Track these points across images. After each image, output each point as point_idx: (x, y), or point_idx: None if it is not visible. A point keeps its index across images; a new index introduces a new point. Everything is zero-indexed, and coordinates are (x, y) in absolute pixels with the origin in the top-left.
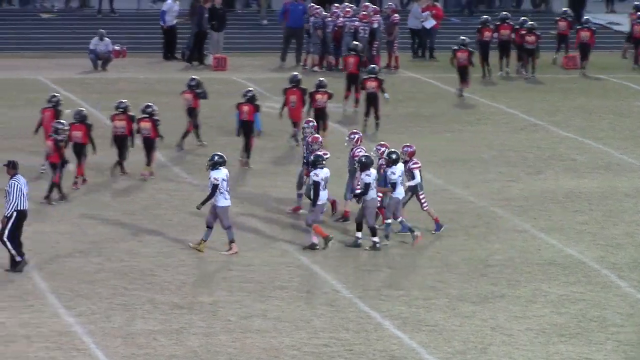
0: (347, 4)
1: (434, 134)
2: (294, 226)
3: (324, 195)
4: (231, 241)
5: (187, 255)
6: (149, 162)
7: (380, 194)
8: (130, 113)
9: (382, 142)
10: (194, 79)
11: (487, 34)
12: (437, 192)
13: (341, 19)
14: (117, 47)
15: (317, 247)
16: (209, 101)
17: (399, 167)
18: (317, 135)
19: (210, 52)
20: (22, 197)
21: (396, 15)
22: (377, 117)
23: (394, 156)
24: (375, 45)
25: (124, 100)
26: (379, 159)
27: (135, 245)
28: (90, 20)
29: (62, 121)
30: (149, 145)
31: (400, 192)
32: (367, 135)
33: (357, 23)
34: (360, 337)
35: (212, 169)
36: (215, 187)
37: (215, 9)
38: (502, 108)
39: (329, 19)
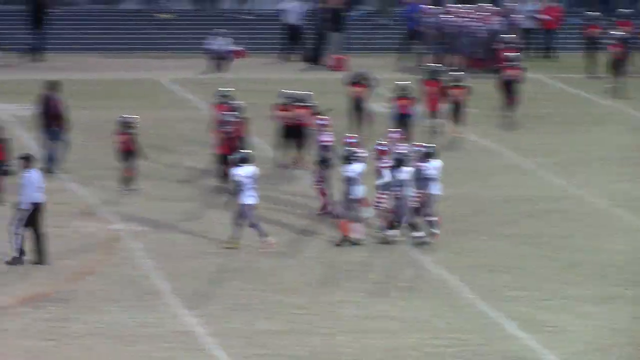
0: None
1: (556, 134)
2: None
3: (358, 190)
4: (263, 235)
5: (309, 255)
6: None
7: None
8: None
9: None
10: (361, 72)
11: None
12: (558, 193)
13: (459, 20)
14: (236, 47)
15: (362, 242)
16: (328, 100)
17: (436, 163)
18: (350, 135)
19: (330, 52)
20: (36, 190)
21: (515, 16)
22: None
23: (429, 150)
24: (496, 47)
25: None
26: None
27: (257, 245)
28: (210, 21)
29: (230, 114)
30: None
31: (436, 189)
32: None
33: (476, 24)
34: (482, 337)
35: (236, 166)
36: (238, 185)
37: (333, 10)
38: (623, 108)
39: (447, 18)
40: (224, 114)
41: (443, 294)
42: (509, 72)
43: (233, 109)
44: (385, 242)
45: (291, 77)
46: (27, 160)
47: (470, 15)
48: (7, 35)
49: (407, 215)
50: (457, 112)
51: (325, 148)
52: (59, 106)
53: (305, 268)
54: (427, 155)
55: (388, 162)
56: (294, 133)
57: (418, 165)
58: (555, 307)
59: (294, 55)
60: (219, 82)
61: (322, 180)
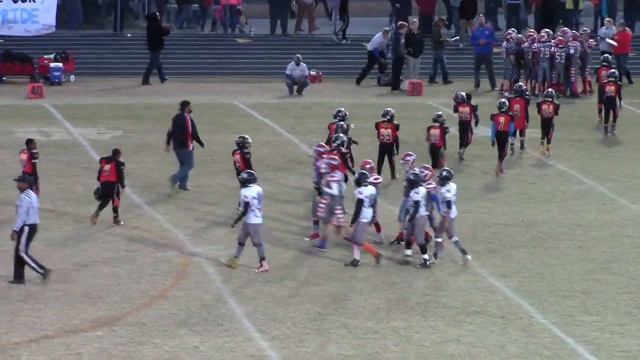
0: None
1: (630, 160)
2: (490, 251)
3: (368, 213)
4: (262, 258)
5: (382, 280)
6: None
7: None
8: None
9: (409, 152)
10: (389, 110)
11: None
12: (633, 218)
13: (536, 44)
14: (313, 72)
15: (359, 264)
16: (409, 125)
17: (453, 186)
18: (366, 160)
19: (406, 78)
20: (33, 212)
21: (592, 40)
22: (548, 141)
23: (445, 173)
24: (573, 72)
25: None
26: (408, 168)
27: (329, 270)
28: (288, 45)
29: (342, 135)
30: None
31: (454, 211)
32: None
33: (553, 48)
34: None
35: (243, 187)
36: (246, 205)
37: (412, 35)
38: None
39: (525, 44)
40: (337, 134)
41: (515, 319)
42: (608, 88)
43: (344, 129)
44: (404, 262)
45: (369, 102)
46: (23, 181)
47: (549, 40)
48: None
49: (420, 236)
50: (547, 129)
51: (322, 175)
52: (191, 126)
53: (377, 292)
54: (445, 179)
55: (337, 176)
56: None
57: (428, 188)
58: (629, 333)
59: (372, 80)
60: (296, 107)
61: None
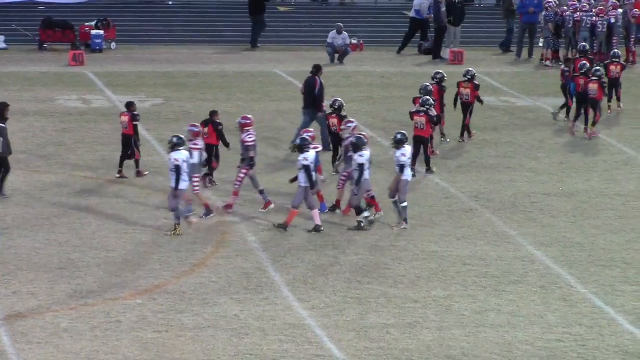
0: None
1: None
2: (530, 220)
3: (314, 176)
4: (176, 223)
5: (421, 249)
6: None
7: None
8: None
9: (350, 119)
10: (469, 70)
11: None
12: None
13: (578, 13)
14: (354, 40)
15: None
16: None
17: (408, 149)
18: (307, 129)
19: (447, 46)
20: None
21: (636, 10)
22: (618, 99)
23: (399, 136)
24: (614, 41)
25: (338, 99)
26: (347, 136)
27: (370, 239)
28: (328, 13)
29: (427, 97)
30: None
31: (408, 174)
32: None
33: (594, 18)
34: (594, 332)
35: (172, 150)
36: (177, 168)
37: (453, 3)
38: None
39: (566, 12)
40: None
41: (555, 288)
42: (613, 68)
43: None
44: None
45: (410, 70)
46: None
47: (590, 9)
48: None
49: (355, 199)
50: (616, 88)
51: (247, 148)
52: (320, 89)
53: (417, 261)
54: (399, 142)
55: (199, 144)
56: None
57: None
58: None
59: (412, 49)
60: (337, 75)
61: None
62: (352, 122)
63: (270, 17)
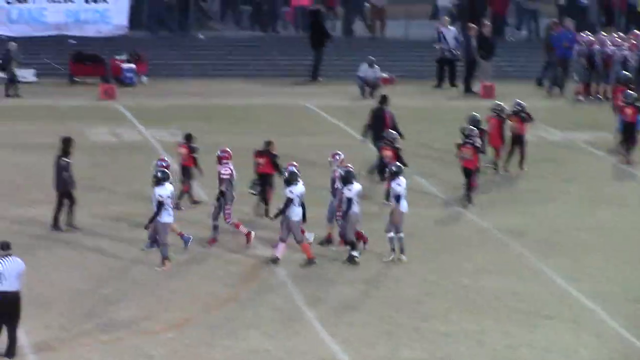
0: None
1: None
2: (563, 254)
3: (298, 211)
4: (165, 258)
5: (453, 282)
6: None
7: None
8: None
9: (338, 151)
10: (519, 103)
11: None
12: None
13: (610, 47)
14: (385, 75)
15: (277, 262)
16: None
17: (403, 181)
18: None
19: (479, 80)
20: None
21: None
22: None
23: (394, 168)
24: None
25: (392, 132)
26: (336, 167)
27: (400, 273)
28: (359, 47)
29: (473, 128)
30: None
31: (404, 206)
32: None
33: (626, 52)
34: None
35: (156, 186)
36: (160, 204)
37: (484, 37)
38: None
39: (596, 46)
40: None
41: (588, 324)
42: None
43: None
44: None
45: (443, 104)
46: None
47: (622, 43)
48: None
49: (349, 233)
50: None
51: (222, 181)
52: (390, 119)
53: (449, 295)
54: (394, 174)
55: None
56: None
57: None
58: None
59: (445, 83)
60: (368, 109)
61: (218, 211)
62: (339, 154)
63: (300, 50)
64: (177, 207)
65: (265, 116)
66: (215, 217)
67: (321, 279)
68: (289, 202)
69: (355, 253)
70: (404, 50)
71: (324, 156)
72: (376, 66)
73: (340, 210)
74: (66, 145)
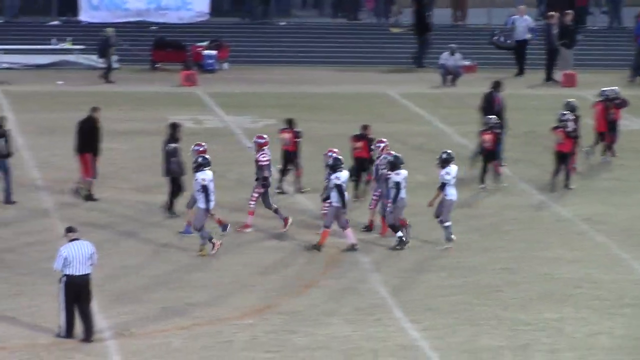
0: None
1: None
2: None
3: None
4: (204, 243)
5: (533, 271)
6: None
7: None
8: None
9: (382, 139)
10: (612, 89)
11: None
12: None
13: None
14: (467, 62)
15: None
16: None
17: (453, 169)
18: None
19: (560, 69)
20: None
21: None
22: None
23: (444, 156)
24: None
25: (492, 117)
26: (378, 156)
27: (481, 261)
28: (441, 35)
29: (565, 112)
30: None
31: (452, 193)
32: None
33: None
34: None
35: (197, 171)
36: (204, 188)
37: (565, 26)
38: None
39: None
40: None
41: None
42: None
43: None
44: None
45: (523, 92)
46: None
47: None
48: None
49: (394, 218)
50: None
51: (261, 168)
52: (500, 104)
53: (529, 284)
54: (445, 162)
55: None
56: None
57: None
58: None
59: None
60: (450, 97)
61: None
62: (382, 141)
63: (384, 38)
64: (281, 191)
65: (347, 104)
66: (269, 204)
67: (402, 266)
68: (337, 188)
69: (400, 234)
70: (487, 38)
71: (407, 143)
72: (458, 54)
73: (378, 196)
74: (174, 130)
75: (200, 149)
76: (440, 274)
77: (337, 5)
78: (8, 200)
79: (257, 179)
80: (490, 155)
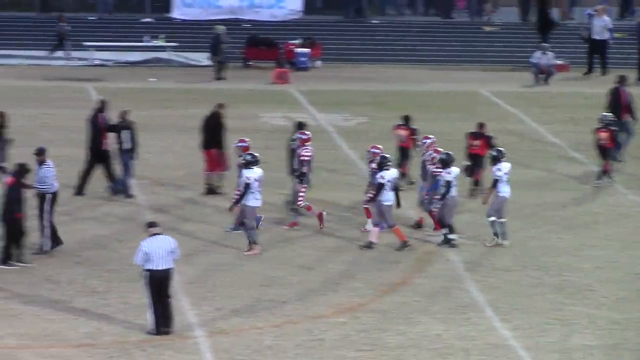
0: None
1: None
2: None
3: (390, 196)
4: (253, 242)
5: (625, 271)
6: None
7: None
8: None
9: (429, 135)
10: None
11: None
12: None
13: None
14: (559, 61)
15: (374, 247)
16: None
17: (505, 166)
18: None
19: None
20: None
21: None
22: None
23: (494, 153)
24: None
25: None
26: (424, 152)
27: (573, 260)
28: (530, 34)
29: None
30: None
31: (505, 190)
32: None
33: None
34: None
35: (245, 168)
36: (247, 186)
37: None
38: None
39: None
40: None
41: None
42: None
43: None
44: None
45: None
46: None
47: None
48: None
49: (447, 216)
50: None
51: (302, 163)
52: (625, 99)
53: (620, 283)
54: (495, 159)
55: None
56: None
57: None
58: None
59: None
60: (542, 96)
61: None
62: (429, 137)
63: (476, 36)
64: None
65: (439, 102)
66: (295, 201)
67: (493, 266)
68: (380, 187)
69: (453, 236)
70: (578, 37)
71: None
72: (549, 53)
73: (430, 194)
74: (300, 129)
75: (245, 145)
76: (532, 273)
77: (429, 3)
78: (127, 194)
79: (298, 175)
80: (606, 152)
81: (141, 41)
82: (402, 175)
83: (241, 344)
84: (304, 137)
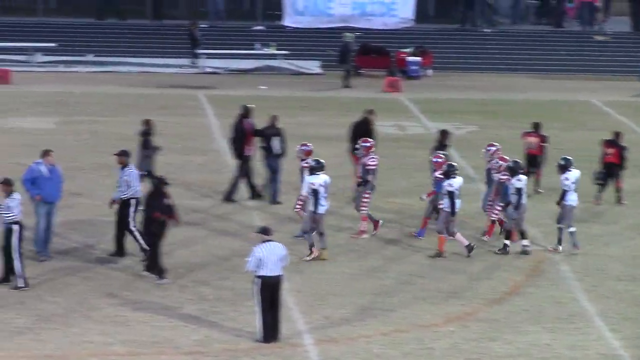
0: None
1: None
2: None
3: (456, 204)
4: (311, 245)
5: None
6: None
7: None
8: None
9: (493, 142)
10: None
11: None
12: None
13: None
14: None
15: (445, 256)
16: None
17: (573, 174)
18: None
19: None
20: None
21: None
22: None
23: (562, 162)
24: None
25: None
26: (489, 160)
27: None
28: None
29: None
30: None
31: (572, 199)
32: None
33: None
34: None
35: (311, 174)
36: (315, 193)
37: None
38: None
39: None
40: None
41: None
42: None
43: None
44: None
45: None
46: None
47: None
48: None
49: (519, 224)
50: None
51: (368, 171)
52: None
53: None
54: (562, 168)
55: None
56: None
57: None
58: None
59: None
60: None
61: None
62: (494, 145)
63: (586, 45)
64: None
65: (549, 111)
66: (358, 207)
67: (603, 275)
68: (451, 195)
69: (526, 242)
70: None
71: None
72: None
73: (493, 201)
74: (443, 137)
75: (307, 149)
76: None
77: (541, 12)
78: (274, 200)
79: (364, 183)
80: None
81: (252, 49)
82: (536, 182)
83: (350, 352)
84: (367, 145)
